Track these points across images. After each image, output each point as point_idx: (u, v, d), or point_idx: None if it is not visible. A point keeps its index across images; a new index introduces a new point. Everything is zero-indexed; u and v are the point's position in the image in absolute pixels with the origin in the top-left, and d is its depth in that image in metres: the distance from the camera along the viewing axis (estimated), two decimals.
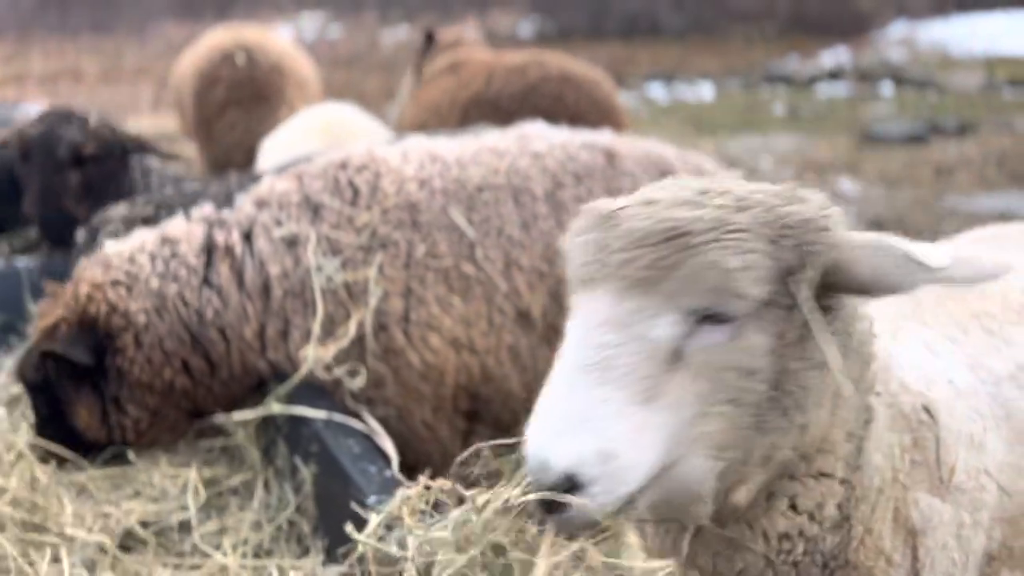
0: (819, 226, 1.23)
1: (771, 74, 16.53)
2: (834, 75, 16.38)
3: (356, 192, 2.52)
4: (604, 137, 2.93)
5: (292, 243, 2.46)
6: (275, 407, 2.32)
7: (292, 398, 2.39)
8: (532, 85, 4.62)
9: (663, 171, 2.70)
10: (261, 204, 2.53)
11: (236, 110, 5.27)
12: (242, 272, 2.44)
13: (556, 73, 4.68)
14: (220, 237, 2.47)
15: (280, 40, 6.26)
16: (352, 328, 2.35)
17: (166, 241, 2.51)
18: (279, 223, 2.48)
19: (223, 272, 2.43)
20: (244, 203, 2.58)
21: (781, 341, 1.19)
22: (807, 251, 1.20)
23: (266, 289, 2.44)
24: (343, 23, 27.55)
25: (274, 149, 4.27)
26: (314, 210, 2.49)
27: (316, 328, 2.37)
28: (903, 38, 22.03)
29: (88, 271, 2.50)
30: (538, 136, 2.85)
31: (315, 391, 2.40)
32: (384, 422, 2.31)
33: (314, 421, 2.27)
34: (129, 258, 2.48)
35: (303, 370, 2.37)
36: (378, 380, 2.38)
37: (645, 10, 26.15)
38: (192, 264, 2.46)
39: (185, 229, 2.54)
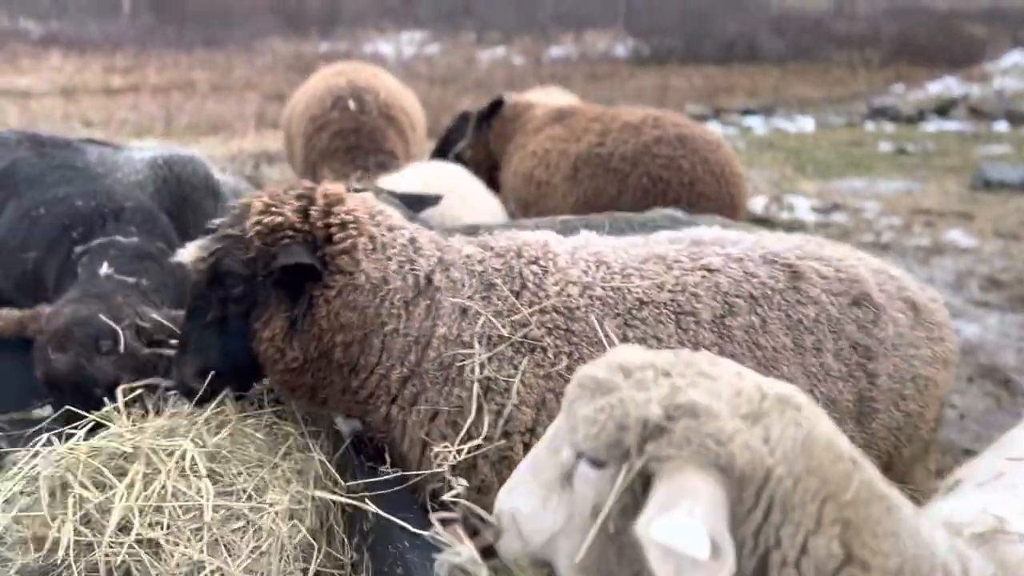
0: (662, 455, 1.33)
1: (875, 106, 16.01)
2: (943, 110, 15.76)
3: (523, 284, 2.37)
4: (792, 248, 2.55)
5: (464, 311, 2.33)
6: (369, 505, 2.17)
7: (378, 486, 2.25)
8: (647, 146, 4.38)
9: (856, 298, 2.45)
10: (450, 263, 2.41)
11: (343, 157, 5.31)
12: (429, 315, 2.32)
13: (672, 134, 4.41)
14: (438, 272, 2.36)
15: (390, 83, 6.18)
16: (484, 431, 2.22)
17: (414, 242, 2.40)
18: (463, 286, 2.36)
19: (420, 304, 2.32)
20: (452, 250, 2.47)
21: (623, 505, 1.37)
22: (644, 456, 1.35)
23: (427, 344, 2.32)
24: (441, 42, 28.05)
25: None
26: (487, 288, 2.37)
27: (467, 425, 2.22)
28: (1020, 69, 21.00)
29: (350, 201, 2.36)
30: (714, 244, 2.55)
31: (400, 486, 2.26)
32: None
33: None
34: (388, 227, 2.39)
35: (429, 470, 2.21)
36: (485, 487, 2.24)
37: (743, 34, 25.79)
38: (419, 274, 2.34)
39: (428, 239, 2.44)
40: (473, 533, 1.76)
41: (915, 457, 2.60)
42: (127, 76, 20.69)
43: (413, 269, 2.34)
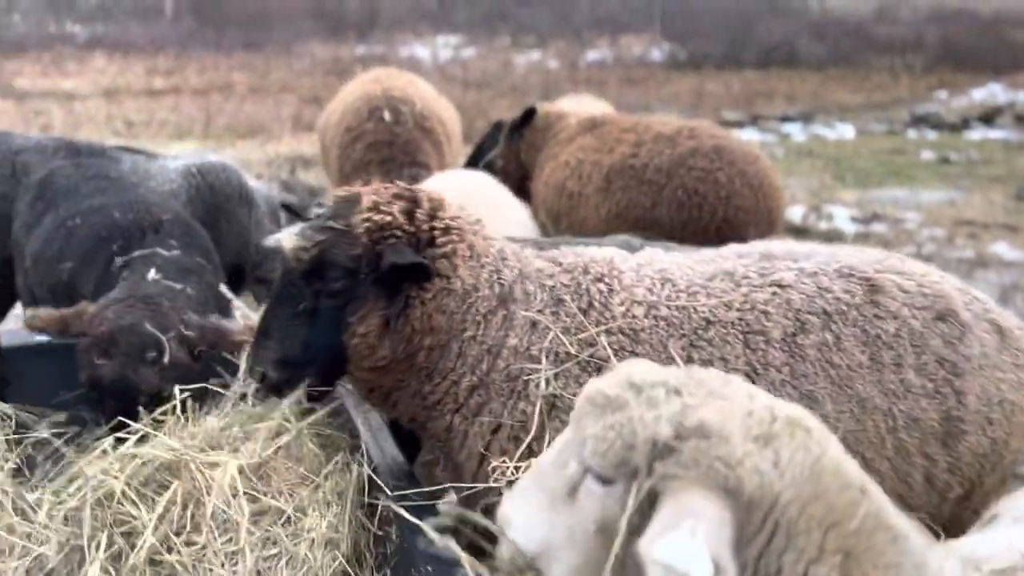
0: (670, 475, 1.31)
1: (917, 113, 15.71)
2: (988, 118, 15.43)
3: (590, 302, 2.33)
4: (871, 262, 2.43)
5: (534, 325, 2.31)
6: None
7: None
8: (682, 157, 4.24)
9: (941, 313, 2.33)
10: (526, 276, 2.39)
11: (377, 169, 5.23)
12: (503, 326, 2.30)
13: (708, 146, 4.26)
14: (518, 284, 2.35)
15: (427, 92, 6.09)
16: (545, 448, 2.03)
17: (501, 252, 2.40)
18: (534, 299, 2.34)
19: (498, 313, 2.30)
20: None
21: (629, 522, 1.34)
22: (653, 476, 1.33)
23: (498, 354, 2.29)
24: (477, 47, 28.11)
25: None
26: (556, 303, 2.33)
27: (527, 440, 2.17)
28: None
29: (450, 207, 2.37)
30: (786, 258, 2.44)
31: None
32: None
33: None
34: (484, 236, 2.39)
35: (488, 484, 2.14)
36: None
37: (783, 39, 25.49)
38: (504, 284, 2.33)
39: (512, 251, 2.43)
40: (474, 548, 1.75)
41: (994, 488, 2.48)
42: (168, 78, 21.03)
43: (500, 279, 2.34)
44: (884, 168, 11.70)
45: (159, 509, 2.12)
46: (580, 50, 27.52)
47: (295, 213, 3.86)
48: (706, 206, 4.11)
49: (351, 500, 2.32)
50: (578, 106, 6.49)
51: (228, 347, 2.76)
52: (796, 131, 14.86)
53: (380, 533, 2.30)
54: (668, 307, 2.31)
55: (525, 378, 2.25)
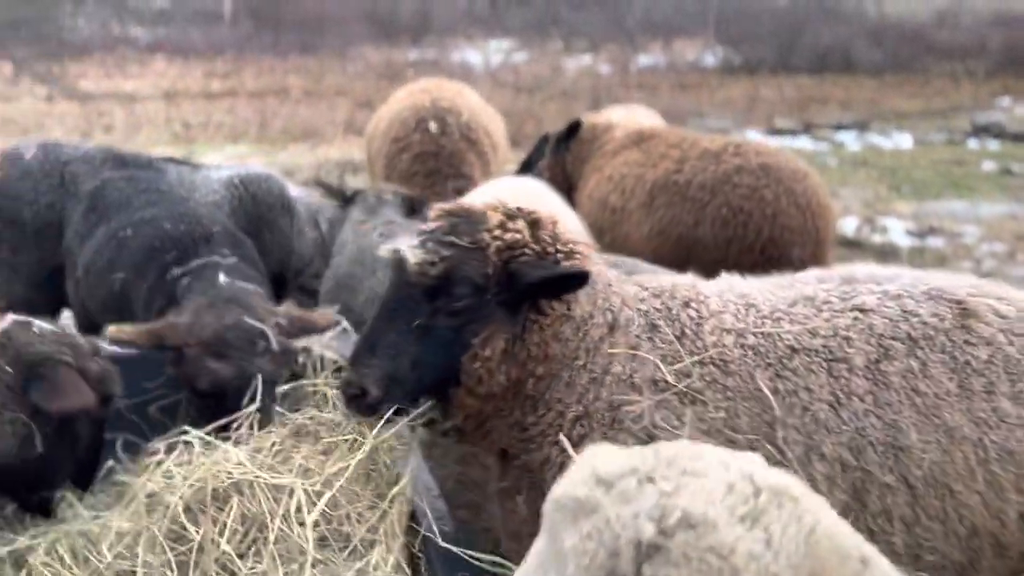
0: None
1: (979, 122, 15.28)
2: None
3: (682, 329, 2.26)
4: (964, 285, 2.33)
5: (634, 352, 2.24)
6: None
7: None
8: (726, 174, 4.14)
9: None
10: (625, 301, 2.33)
11: (422, 181, 5.24)
12: (609, 355, 2.23)
13: (755, 163, 4.14)
14: (623, 310, 2.29)
15: (474, 102, 6.07)
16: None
17: (610, 273, 2.37)
18: (633, 325, 2.26)
19: (606, 341, 2.23)
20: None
21: None
22: None
23: (602, 383, 2.22)
24: (528, 51, 28.15)
25: None
26: (651, 329, 2.27)
27: None
28: None
29: (568, 229, 2.30)
30: (868, 281, 2.35)
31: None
32: None
33: None
34: (595, 259, 2.35)
35: None
36: None
37: (838, 44, 25.03)
38: (613, 311, 2.27)
39: (615, 275, 2.38)
40: None
41: None
42: (225, 81, 21.47)
43: (610, 306, 2.29)
44: (942, 179, 11.40)
45: (220, 528, 2.13)
46: (632, 54, 27.38)
47: (330, 190, 3.93)
48: (751, 224, 4.03)
49: (421, 533, 2.29)
50: (627, 115, 6.46)
51: (316, 332, 2.85)
52: (851, 140, 14.55)
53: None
54: (754, 335, 2.25)
55: (626, 408, 2.18)
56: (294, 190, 4.31)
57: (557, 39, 29.58)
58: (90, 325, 3.37)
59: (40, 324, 2.20)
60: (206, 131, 15.60)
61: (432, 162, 5.34)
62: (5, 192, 3.64)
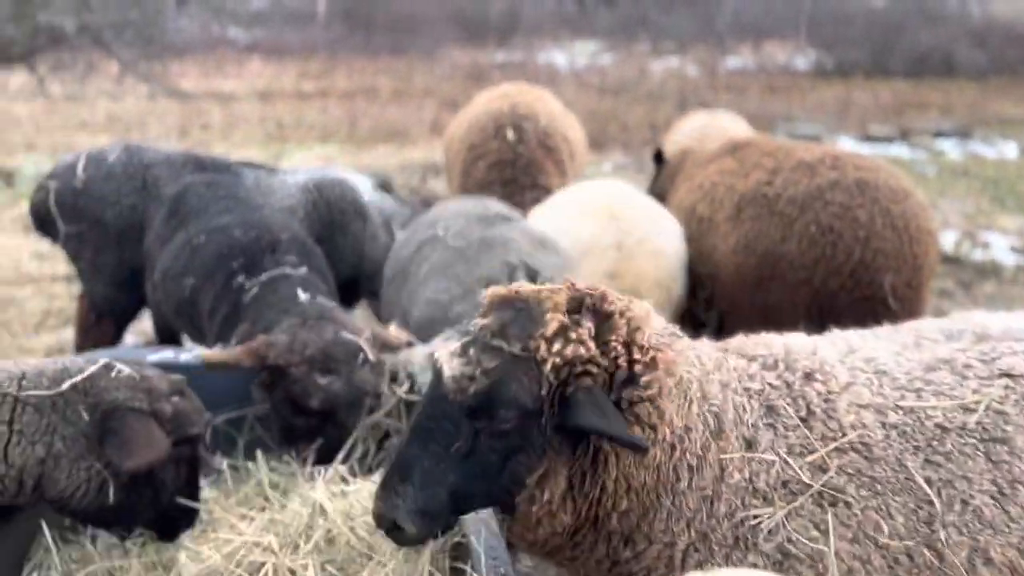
0: None
1: None
2: None
3: (809, 409, 1.87)
4: None
5: (750, 445, 1.85)
6: None
7: None
8: (819, 190, 3.79)
9: None
10: (726, 383, 1.93)
11: (499, 191, 5.14)
12: (721, 462, 1.85)
13: (852, 178, 3.77)
14: (728, 400, 1.89)
15: (553, 108, 5.94)
16: None
17: (700, 363, 1.94)
18: (744, 411, 1.88)
19: (713, 446, 1.84)
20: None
21: None
22: None
23: (717, 497, 1.83)
24: (615, 52, 27.93)
25: (549, 221, 3.96)
26: (769, 413, 1.88)
27: None
28: None
29: (646, 321, 1.86)
30: (1006, 338, 2.00)
31: None
32: None
33: None
34: (680, 349, 1.91)
35: None
36: None
37: (938, 46, 23.99)
38: (716, 410, 1.88)
39: (706, 352, 1.99)
40: None
41: None
42: (318, 81, 22.02)
43: (711, 406, 1.87)
44: None
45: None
46: (720, 56, 26.86)
47: (388, 190, 3.92)
48: (841, 245, 3.70)
49: None
50: (713, 122, 6.34)
51: (393, 350, 2.86)
52: (951, 148, 13.88)
53: None
54: (896, 411, 1.88)
55: (752, 523, 1.80)
56: (367, 195, 4.36)
57: (644, 41, 29.27)
58: (165, 326, 3.48)
59: (121, 366, 2.14)
60: (298, 131, 16.03)
61: (509, 171, 5.27)
62: (90, 193, 3.80)
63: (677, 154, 5.15)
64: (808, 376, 1.93)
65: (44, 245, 7.13)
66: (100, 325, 3.96)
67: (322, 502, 2.21)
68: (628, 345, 1.81)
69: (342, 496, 2.29)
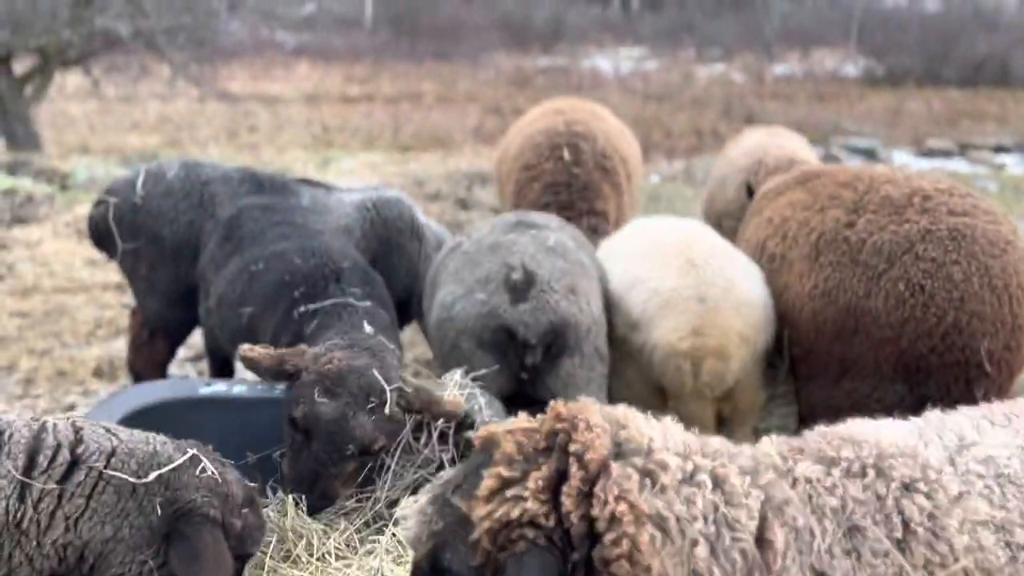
0: None
1: None
2: None
3: (907, 529, 1.53)
4: None
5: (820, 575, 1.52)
6: None
7: None
8: (909, 240, 3.30)
9: None
10: (783, 503, 1.57)
11: (555, 213, 4.70)
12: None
13: (945, 227, 3.28)
14: (774, 527, 1.52)
15: (610, 126, 5.61)
16: None
17: (719, 486, 1.55)
18: (813, 537, 1.53)
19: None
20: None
21: None
22: None
23: None
24: (660, 59, 27.73)
25: (617, 267, 3.73)
26: (852, 534, 1.54)
27: None
28: None
29: (616, 469, 1.54)
30: None
31: None
32: None
33: None
34: (676, 484, 1.54)
35: None
36: None
37: (994, 54, 23.39)
38: (743, 545, 1.51)
39: (736, 469, 1.59)
40: None
41: None
42: (364, 86, 22.20)
43: (735, 538, 1.50)
44: None
45: None
46: (767, 62, 26.51)
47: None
48: (932, 307, 3.25)
49: None
50: (769, 139, 6.09)
51: (435, 416, 2.66)
52: (1013, 163, 13.42)
53: None
54: (1019, 516, 1.57)
55: None
56: (421, 216, 4.32)
57: (690, 47, 29.02)
58: (218, 348, 3.45)
59: (207, 462, 2.04)
60: (343, 134, 16.15)
61: (565, 194, 5.02)
62: (148, 209, 3.80)
63: (740, 185, 4.89)
64: (907, 487, 1.58)
65: (97, 252, 7.29)
66: (153, 342, 3.96)
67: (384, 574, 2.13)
68: (586, 496, 1.52)
69: (403, 565, 2.19)
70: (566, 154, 5.13)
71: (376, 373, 2.58)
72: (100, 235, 3.95)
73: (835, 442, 1.64)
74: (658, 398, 3.46)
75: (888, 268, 3.32)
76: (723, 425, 3.43)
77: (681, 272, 3.46)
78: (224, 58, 17.33)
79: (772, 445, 1.67)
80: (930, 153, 13.92)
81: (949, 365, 3.18)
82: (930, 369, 3.19)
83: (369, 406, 2.52)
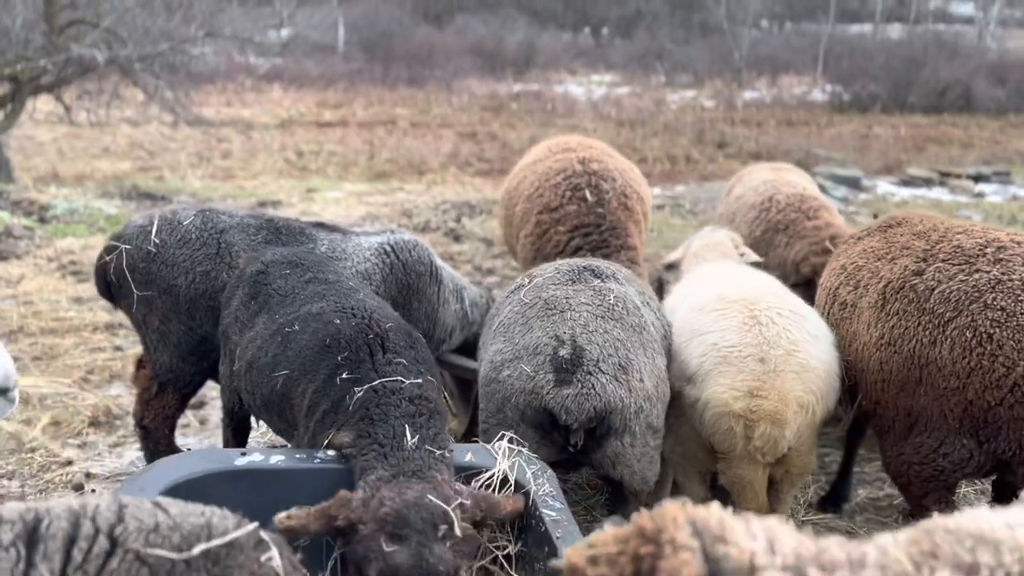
0: None
1: None
2: None
3: None
4: None
5: None
6: None
7: None
8: (978, 290, 3.18)
9: None
10: None
11: (589, 255, 4.56)
12: None
13: (1017, 277, 3.14)
14: None
15: (623, 164, 5.45)
16: None
17: None
18: None
19: None
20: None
21: None
22: None
23: None
24: (632, 85, 28.00)
25: (678, 317, 3.61)
26: None
27: None
28: None
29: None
30: None
31: None
32: None
33: None
34: None
35: None
36: None
37: (957, 81, 23.98)
38: None
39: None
40: None
41: None
42: (337, 111, 22.08)
43: None
44: None
45: None
46: (737, 89, 26.89)
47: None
48: (1001, 358, 3.09)
49: None
50: (775, 175, 6.01)
51: (497, 518, 2.56)
52: (992, 191, 13.50)
53: None
54: None
55: None
56: (437, 259, 4.24)
57: (660, 73, 29.35)
58: (240, 410, 3.29)
59: (275, 551, 1.82)
60: (317, 159, 16.02)
61: (595, 235, 4.84)
62: (163, 259, 3.65)
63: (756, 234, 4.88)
64: None
65: (82, 288, 7.02)
66: (163, 395, 3.78)
67: None
68: None
69: None
70: (588, 195, 4.97)
71: (433, 499, 2.42)
72: (109, 284, 3.78)
73: (967, 542, 1.46)
74: (711, 458, 3.35)
75: (955, 316, 3.22)
76: (771, 487, 3.35)
77: (743, 329, 3.30)
78: (197, 83, 17.12)
79: (898, 547, 1.47)
80: (912, 182, 14.13)
81: (1020, 419, 3.04)
82: (999, 423, 3.07)
83: (439, 535, 2.38)
